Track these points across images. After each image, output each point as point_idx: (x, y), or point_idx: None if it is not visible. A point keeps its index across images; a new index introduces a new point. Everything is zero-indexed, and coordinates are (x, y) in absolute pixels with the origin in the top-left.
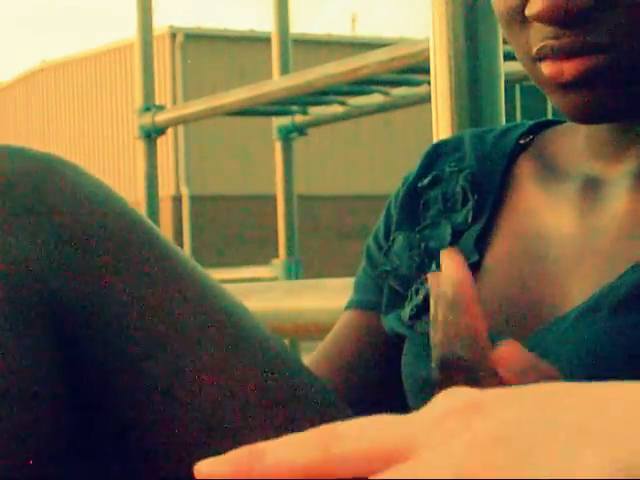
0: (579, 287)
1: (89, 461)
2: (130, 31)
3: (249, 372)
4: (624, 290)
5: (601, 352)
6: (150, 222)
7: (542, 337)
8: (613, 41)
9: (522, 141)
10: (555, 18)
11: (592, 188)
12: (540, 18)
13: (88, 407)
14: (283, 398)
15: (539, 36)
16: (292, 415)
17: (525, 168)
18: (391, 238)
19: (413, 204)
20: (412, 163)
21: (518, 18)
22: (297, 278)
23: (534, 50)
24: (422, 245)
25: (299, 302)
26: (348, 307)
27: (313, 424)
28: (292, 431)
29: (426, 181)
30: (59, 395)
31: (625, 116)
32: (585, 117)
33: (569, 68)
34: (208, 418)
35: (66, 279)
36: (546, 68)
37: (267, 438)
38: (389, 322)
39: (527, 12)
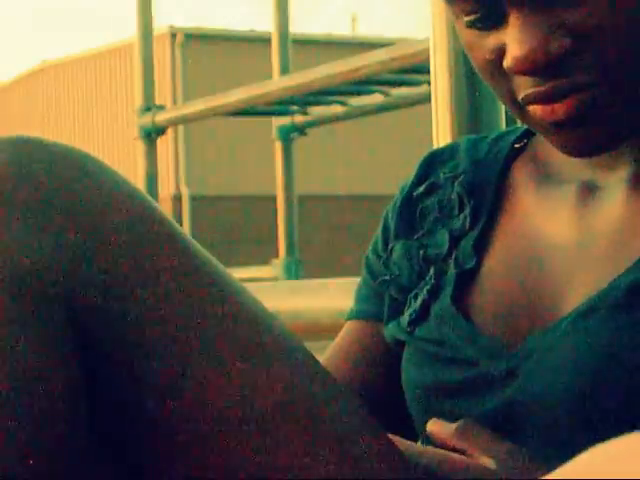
0: (576, 290)
1: (102, 461)
2: (130, 31)
3: (272, 382)
4: (621, 291)
5: (600, 352)
6: (173, 221)
7: (540, 339)
8: (595, 80)
9: (517, 145)
10: (533, 68)
11: (587, 193)
12: (518, 70)
13: (106, 407)
14: (304, 413)
15: (522, 84)
16: (314, 431)
17: (521, 172)
18: (389, 248)
19: (410, 213)
20: (413, 162)
21: (497, 71)
22: (297, 278)
23: (520, 97)
24: (420, 253)
25: (299, 303)
26: (349, 317)
27: (333, 440)
28: (313, 448)
29: (422, 189)
30: (75, 393)
31: (620, 145)
32: (581, 153)
33: (560, 108)
34: (225, 424)
35: (87, 275)
36: (536, 111)
37: (289, 455)
38: (389, 330)
39: (505, 66)
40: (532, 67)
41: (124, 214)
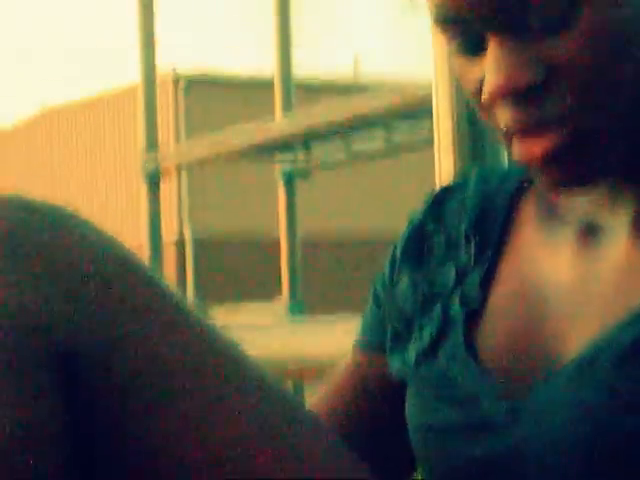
0: (578, 333)
1: None
2: (130, 77)
3: (252, 428)
4: (625, 344)
5: (602, 409)
6: (153, 271)
7: (542, 389)
8: (570, 113)
9: (525, 184)
10: (505, 99)
11: (590, 234)
12: (492, 101)
13: (94, 455)
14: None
15: (501, 116)
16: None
17: (527, 210)
18: (396, 279)
19: (418, 246)
20: (416, 206)
21: (483, 103)
22: (300, 320)
23: (502, 131)
24: (426, 286)
25: (303, 344)
26: (354, 347)
27: None
28: None
29: (431, 227)
30: (62, 444)
31: (602, 182)
32: (563, 192)
33: (536, 148)
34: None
35: (69, 331)
36: (517, 149)
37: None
38: (393, 364)
39: (482, 98)
40: (503, 97)
41: (106, 272)
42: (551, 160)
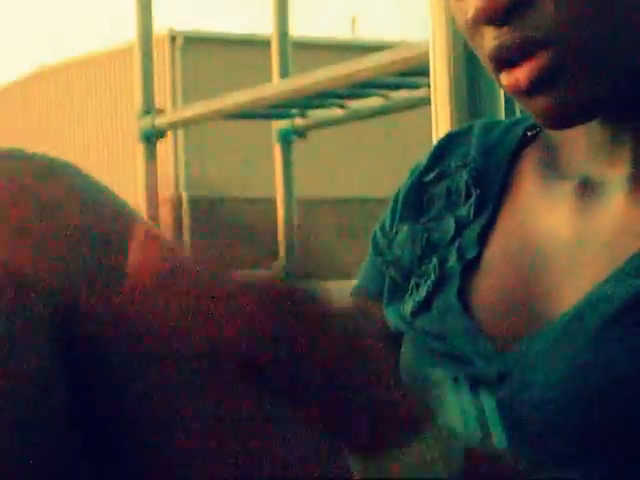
0: (573, 288)
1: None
2: (129, 35)
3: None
4: (614, 301)
5: (590, 363)
6: (152, 225)
7: (532, 343)
8: (552, 36)
9: (529, 133)
10: (487, 17)
11: (588, 189)
12: (477, 19)
13: (98, 422)
14: None
15: (487, 42)
16: None
17: (528, 163)
18: (395, 229)
19: (418, 197)
20: (411, 165)
21: (473, 31)
22: None
23: (487, 55)
24: (424, 237)
25: None
26: (352, 294)
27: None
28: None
29: (432, 176)
30: (64, 395)
31: (595, 115)
32: (553, 122)
33: (522, 74)
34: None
35: (69, 284)
36: (504, 80)
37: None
38: (389, 316)
39: (468, 17)
40: (489, 14)
41: (106, 222)
42: (538, 86)
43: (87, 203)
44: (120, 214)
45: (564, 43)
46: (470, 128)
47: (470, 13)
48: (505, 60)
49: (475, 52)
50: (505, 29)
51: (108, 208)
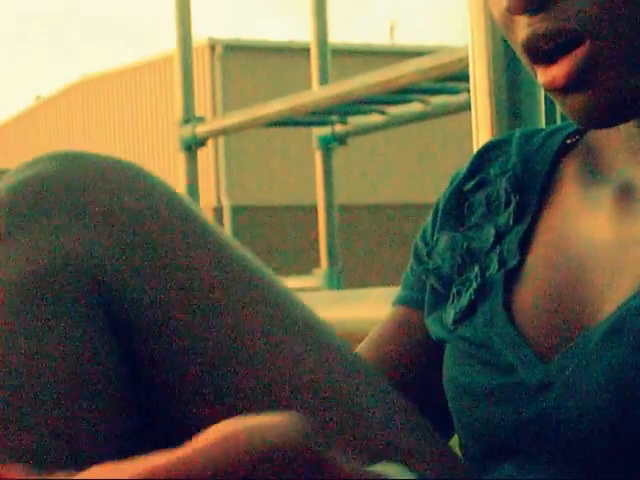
0: (615, 293)
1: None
2: (168, 44)
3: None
4: None
5: (624, 380)
6: (198, 210)
7: (575, 352)
8: (587, 27)
9: (569, 141)
10: (522, 6)
11: (629, 194)
12: (510, 10)
13: (147, 398)
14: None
15: (523, 32)
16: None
17: (569, 170)
18: (435, 237)
19: (458, 206)
20: (451, 171)
21: (508, 22)
22: (339, 288)
23: (521, 45)
24: (464, 245)
25: (342, 312)
26: (395, 303)
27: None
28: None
29: (471, 184)
30: (117, 386)
31: (633, 114)
32: (588, 120)
33: (558, 72)
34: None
35: (121, 277)
36: (540, 77)
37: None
38: (431, 324)
39: (504, 7)
40: (523, 2)
41: (161, 216)
42: (575, 84)
43: (136, 192)
44: (170, 201)
45: (601, 36)
46: (510, 137)
47: (505, 2)
48: (539, 52)
49: (513, 47)
50: (539, 17)
51: (170, 210)
